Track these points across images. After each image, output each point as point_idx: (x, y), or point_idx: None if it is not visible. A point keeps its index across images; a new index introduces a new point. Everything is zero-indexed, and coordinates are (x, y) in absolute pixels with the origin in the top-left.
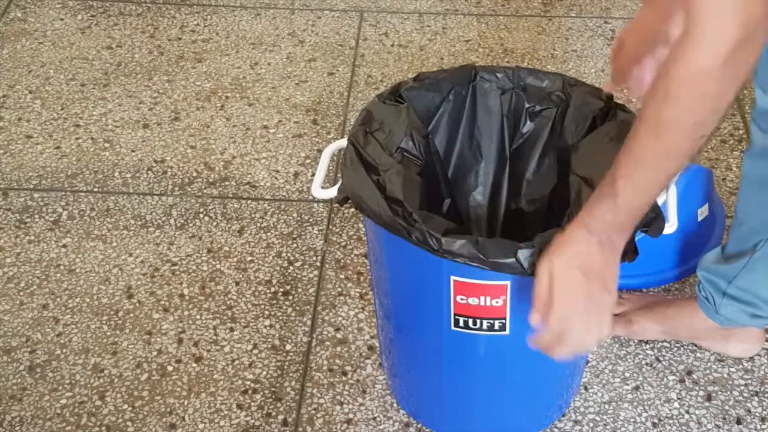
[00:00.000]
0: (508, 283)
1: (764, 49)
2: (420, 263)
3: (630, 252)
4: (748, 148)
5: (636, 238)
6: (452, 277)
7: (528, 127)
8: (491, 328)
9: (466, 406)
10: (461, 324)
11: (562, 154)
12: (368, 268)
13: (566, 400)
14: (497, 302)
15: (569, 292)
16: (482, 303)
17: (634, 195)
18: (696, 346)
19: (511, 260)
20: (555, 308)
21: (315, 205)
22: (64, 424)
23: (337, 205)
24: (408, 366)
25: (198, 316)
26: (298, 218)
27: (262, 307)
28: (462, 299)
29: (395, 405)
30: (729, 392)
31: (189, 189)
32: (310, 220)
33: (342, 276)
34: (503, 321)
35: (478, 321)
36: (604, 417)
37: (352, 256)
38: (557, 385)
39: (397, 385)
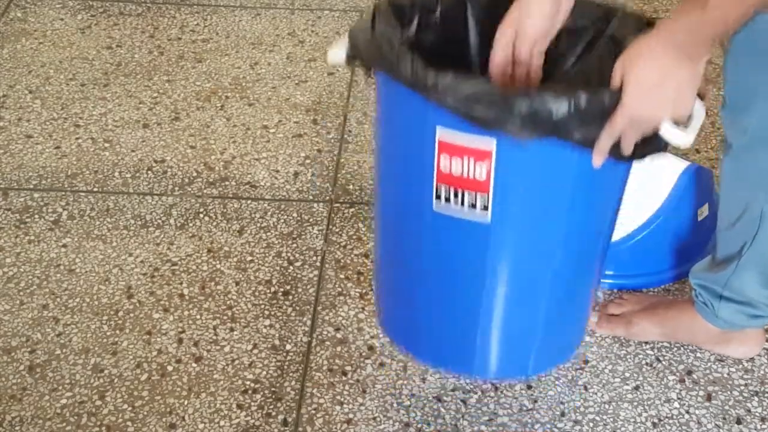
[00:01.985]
0: (493, 146)
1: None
2: (408, 110)
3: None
4: (724, 150)
5: (636, 239)
6: (438, 129)
7: None
8: (472, 206)
9: (442, 323)
10: (443, 197)
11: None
12: (368, 267)
13: (557, 337)
14: (481, 173)
15: (644, 98)
16: (465, 171)
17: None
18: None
19: (502, 111)
20: (625, 108)
21: (315, 205)
22: (64, 424)
23: (337, 205)
24: (390, 269)
25: (198, 316)
26: (298, 218)
27: (262, 307)
28: (445, 161)
29: (395, 405)
30: (729, 392)
31: (189, 189)
32: (310, 220)
33: (342, 276)
34: (485, 197)
35: (460, 194)
36: (604, 417)
37: (352, 256)
38: (545, 305)
39: (380, 305)
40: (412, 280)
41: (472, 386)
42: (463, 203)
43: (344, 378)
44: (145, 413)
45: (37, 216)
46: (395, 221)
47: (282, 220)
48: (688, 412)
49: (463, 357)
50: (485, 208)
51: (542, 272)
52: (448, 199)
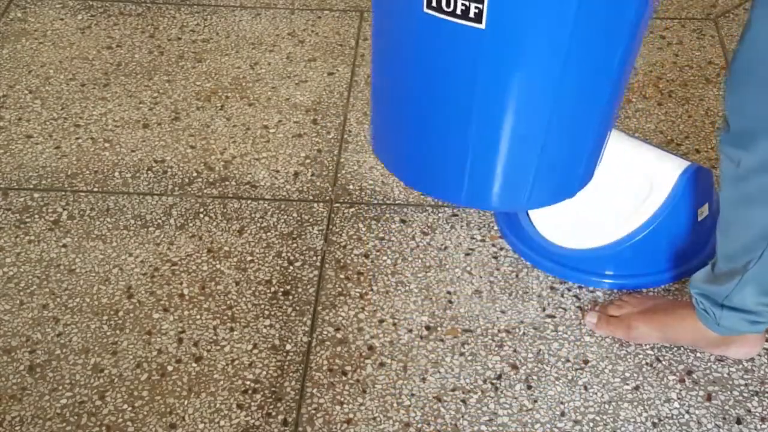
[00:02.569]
0: None
1: (741, 67)
2: None
3: None
4: (720, 176)
5: (636, 239)
6: None
7: None
8: (465, 14)
9: (431, 142)
10: (434, 2)
11: None
12: (368, 267)
13: (556, 171)
14: None
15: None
16: None
17: None
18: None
19: None
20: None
21: (315, 205)
22: (64, 424)
23: (337, 205)
24: (382, 84)
25: (198, 316)
26: (298, 218)
27: (262, 307)
28: None
29: (395, 405)
30: (729, 392)
31: (189, 189)
32: (310, 220)
33: (342, 276)
34: (479, 6)
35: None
36: (604, 417)
37: (352, 256)
38: (542, 132)
39: (374, 131)
40: (402, 94)
41: (472, 386)
42: (455, 9)
43: (344, 378)
44: (145, 413)
45: (37, 216)
46: (386, 29)
47: (282, 220)
48: (688, 412)
49: (453, 182)
50: (479, 18)
51: (539, 94)
52: (439, 6)
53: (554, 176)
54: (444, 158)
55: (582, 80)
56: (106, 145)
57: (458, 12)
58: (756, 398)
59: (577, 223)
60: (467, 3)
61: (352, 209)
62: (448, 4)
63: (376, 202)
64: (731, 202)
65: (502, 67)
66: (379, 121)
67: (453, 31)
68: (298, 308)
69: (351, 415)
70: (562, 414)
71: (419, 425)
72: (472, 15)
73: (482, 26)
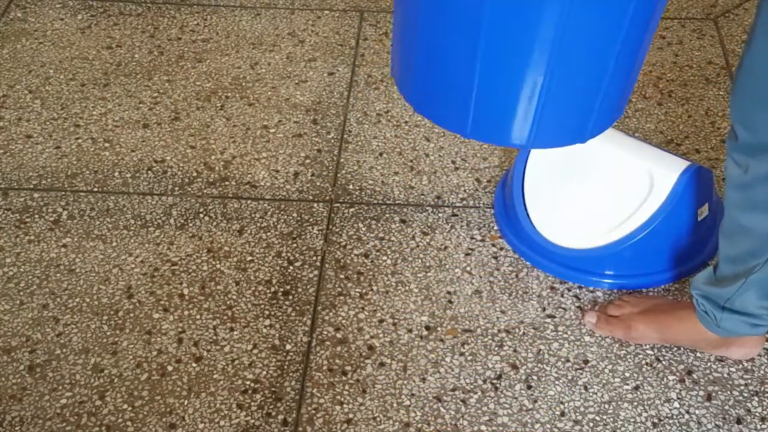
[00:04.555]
0: None
1: (749, 85)
2: None
3: None
4: (726, 179)
5: (636, 239)
6: None
7: None
8: None
9: (441, 65)
10: None
11: None
12: (368, 267)
13: (563, 111)
14: None
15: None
16: None
17: None
18: None
19: None
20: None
21: (315, 205)
22: (64, 424)
23: (337, 205)
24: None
25: (198, 316)
26: (298, 218)
27: (262, 307)
28: None
29: (395, 405)
30: (729, 392)
31: (189, 189)
32: (310, 220)
33: (342, 276)
34: None
35: None
36: (604, 417)
37: (352, 256)
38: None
39: (394, 59)
40: (413, 25)
41: (472, 386)
42: None
43: (344, 378)
44: (145, 413)
45: (37, 216)
46: None
47: (282, 220)
48: (688, 412)
49: (457, 113)
50: None
51: (544, 32)
52: None
53: (556, 122)
54: (451, 87)
55: (591, 23)
56: (106, 145)
57: None
58: (756, 398)
59: (577, 223)
60: None
61: (352, 209)
62: None
63: (376, 202)
64: (736, 206)
65: (512, 7)
66: (398, 47)
67: None
68: (298, 308)
69: (351, 415)
70: (562, 414)
71: (419, 425)
72: None
73: None
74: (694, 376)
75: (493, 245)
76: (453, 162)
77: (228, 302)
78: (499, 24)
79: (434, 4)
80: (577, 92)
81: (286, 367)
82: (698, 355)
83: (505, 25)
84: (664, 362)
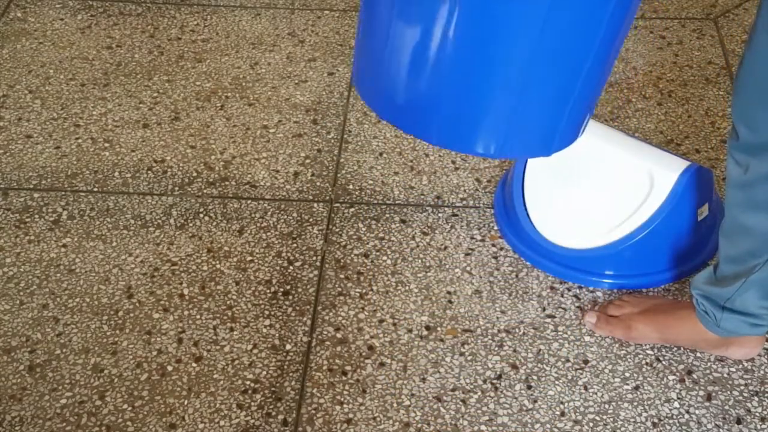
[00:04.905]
0: None
1: (750, 84)
2: None
3: None
4: (727, 178)
5: (636, 239)
6: None
7: None
8: None
9: (402, 70)
10: None
11: None
12: (368, 267)
13: (536, 122)
14: None
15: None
16: None
17: None
18: None
19: None
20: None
21: (315, 205)
22: (64, 424)
23: (337, 205)
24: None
25: (198, 316)
26: (298, 218)
27: (262, 307)
28: None
29: (395, 405)
30: (729, 392)
31: (189, 189)
32: (310, 220)
33: (342, 276)
34: None
35: None
36: (604, 417)
37: (352, 256)
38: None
39: (356, 64)
40: (372, 21)
41: (472, 386)
42: None
43: (344, 378)
44: (145, 413)
45: (37, 216)
46: None
47: (282, 220)
48: (688, 412)
49: (421, 118)
50: None
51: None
52: None
53: (524, 131)
54: (416, 95)
55: (567, 40)
56: (106, 145)
57: None
58: (756, 398)
59: (577, 223)
60: None
61: (352, 209)
62: None
63: (376, 202)
64: (737, 205)
65: (481, 12)
66: (360, 51)
67: None
68: (298, 308)
69: (351, 415)
70: (562, 414)
71: (419, 425)
72: None
73: None
74: (694, 376)
75: (493, 245)
76: (453, 162)
77: (228, 302)
78: (469, 42)
79: (402, 16)
80: (543, 107)
81: (286, 367)
82: (698, 355)
83: (476, 38)
84: (664, 362)
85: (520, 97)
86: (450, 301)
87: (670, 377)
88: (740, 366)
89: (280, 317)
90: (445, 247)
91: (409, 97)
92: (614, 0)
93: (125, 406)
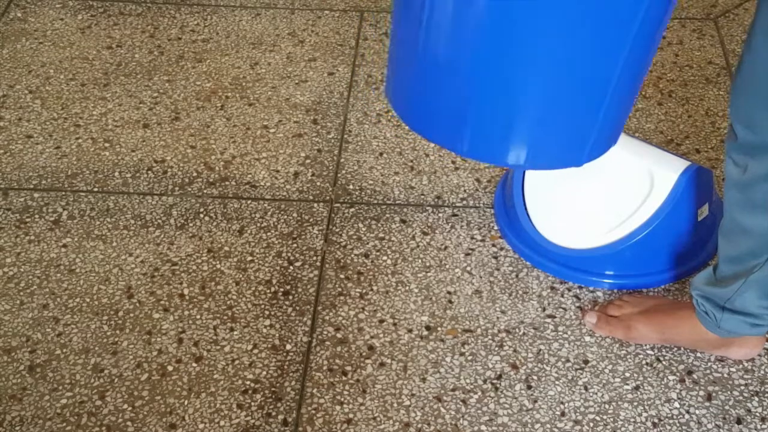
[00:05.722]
0: None
1: (748, 85)
2: None
3: None
4: (725, 178)
5: (636, 239)
6: None
7: None
8: None
9: (435, 95)
10: None
11: None
12: (368, 267)
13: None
14: None
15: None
16: None
17: None
18: None
19: None
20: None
21: (315, 205)
22: (64, 424)
23: (337, 205)
24: (394, 24)
25: (198, 316)
26: (298, 218)
27: (262, 307)
28: None
29: (395, 405)
30: (729, 392)
31: (189, 189)
32: (310, 220)
33: (342, 276)
34: None
35: None
36: (604, 417)
37: (352, 256)
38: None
39: (389, 77)
40: (406, 41)
41: (472, 386)
42: None
43: (344, 378)
44: (145, 413)
45: (37, 216)
46: None
47: (282, 220)
48: (688, 412)
49: (453, 130)
50: None
51: (545, 51)
52: None
53: (553, 143)
54: (448, 107)
55: (597, 46)
56: (106, 145)
57: None
58: (756, 398)
59: (577, 223)
60: None
61: (352, 209)
62: None
63: (376, 202)
64: (736, 206)
65: (511, 22)
66: (393, 65)
67: None
68: (298, 308)
69: (351, 415)
70: (562, 414)
71: (419, 425)
72: None
73: None
74: (694, 376)
75: (493, 245)
76: (453, 162)
77: (228, 302)
78: (499, 49)
79: (433, 24)
80: (574, 116)
81: (286, 367)
82: (698, 355)
83: (504, 50)
84: (664, 362)
85: (550, 106)
86: (450, 301)
87: (670, 377)
88: (740, 366)
89: (280, 317)
90: (445, 247)
91: (441, 108)
92: (647, 2)
93: (125, 406)
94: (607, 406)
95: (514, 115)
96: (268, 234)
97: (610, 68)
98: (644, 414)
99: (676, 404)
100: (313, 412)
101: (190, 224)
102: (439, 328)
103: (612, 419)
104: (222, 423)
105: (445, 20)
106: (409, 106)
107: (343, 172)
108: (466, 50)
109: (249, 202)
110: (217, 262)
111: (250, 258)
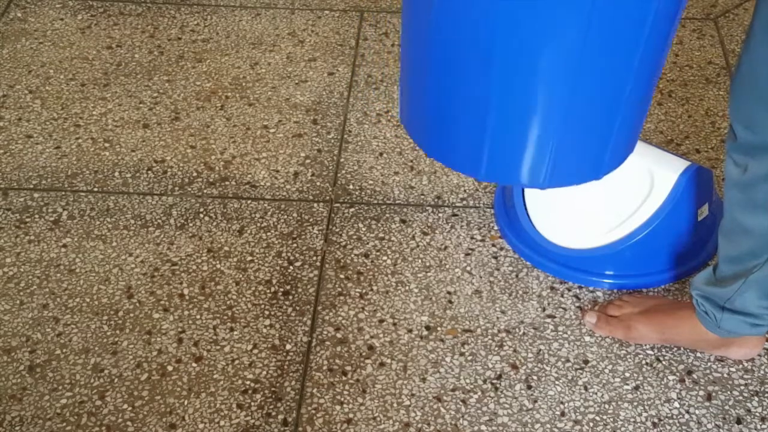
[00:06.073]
0: None
1: (747, 85)
2: None
3: None
4: (725, 178)
5: (636, 239)
6: None
7: None
8: None
9: (453, 121)
10: None
11: None
12: (368, 267)
13: (582, 147)
14: None
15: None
16: None
17: None
18: None
19: None
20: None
21: (315, 205)
22: (64, 424)
23: (337, 205)
24: (405, 50)
25: (198, 316)
26: (298, 218)
27: (262, 307)
28: None
29: (395, 405)
30: (729, 392)
31: (189, 189)
32: (310, 220)
33: (342, 276)
34: None
35: None
36: (604, 417)
37: (352, 256)
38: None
39: (403, 103)
40: (420, 68)
41: (472, 386)
42: None
43: (344, 378)
44: (145, 413)
45: (37, 216)
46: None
47: (282, 220)
48: (688, 412)
49: (470, 156)
50: None
51: (557, 74)
52: None
53: (572, 161)
54: (464, 131)
55: (609, 57)
56: (106, 145)
57: None
58: (756, 398)
59: (577, 223)
60: None
61: (352, 209)
62: None
63: (376, 202)
64: (736, 206)
65: (523, 41)
66: (403, 91)
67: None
68: (298, 308)
69: (351, 415)
70: (562, 414)
71: (419, 425)
72: None
73: None
74: (694, 376)
75: (493, 245)
76: None
77: (228, 302)
78: (512, 71)
79: (447, 49)
80: (591, 129)
81: (286, 367)
82: (698, 355)
83: (518, 72)
84: (664, 362)
85: (568, 122)
86: (450, 301)
87: (670, 377)
88: (740, 366)
89: (280, 317)
90: (445, 247)
91: (458, 136)
92: (653, 10)
93: (125, 406)
94: (607, 406)
95: (532, 136)
96: (268, 234)
97: (624, 76)
98: (644, 414)
99: (676, 404)
100: (313, 412)
101: (190, 224)
102: (439, 328)
103: (612, 419)
104: (222, 423)
105: (462, 51)
106: (426, 134)
107: (343, 172)
108: (482, 77)
109: (249, 202)
110: (217, 262)
111: (250, 258)
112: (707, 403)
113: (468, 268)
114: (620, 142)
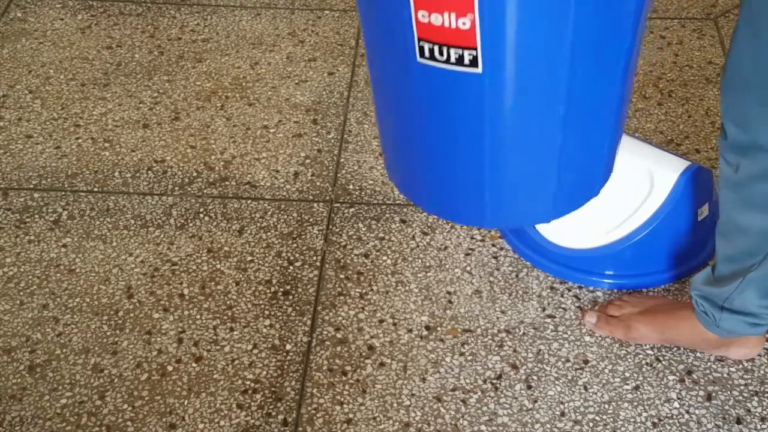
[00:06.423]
0: None
1: (735, 82)
2: None
3: None
4: (720, 178)
5: (636, 239)
6: None
7: None
8: (460, 61)
9: (446, 172)
10: (427, 54)
11: None
12: (368, 267)
13: (576, 177)
14: (464, 24)
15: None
16: (447, 24)
17: None
18: None
19: None
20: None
21: (315, 205)
22: (64, 424)
23: (337, 205)
24: (386, 120)
25: (198, 316)
26: (298, 218)
27: (262, 307)
28: (424, 17)
29: (395, 405)
30: (729, 392)
31: (189, 189)
32: (310, 220)
33: (342, 276)
34: (473, 53)
35: (445, 50)
36: (604, 417)
37: (352, 256)
38: (555, 151)
39: (388, 158)
40: (411, 137)
41: (472, 386)
42: (449, 59)
43: (344, 378)
44: (145, 413)
45: (37, 216)
46: (384, 78)
47: (282, 220)
48: (688, 412)
49: (473, 210)
50: (474, 63)
51: (548, 117)
52: (432, 55)
53: (575, 181)
54: (462, 188)
55: (588, 93)
56: (106, 145)
57: (453, 60)
58: (756, 398)
59: (577, 223)
60: (461, 51)
61: (352, 209)
62: (441, 53)
63: (376, 202)
64: (731, 205)
65: (506, 102)
66: (392, 157)
67: (451, 77)
68: (298, 308)
69: (351, 415)
70: (562, 414)
71: (419, 425)
72: (467, 62)
73: (479, 71)
74: (694, 376)
75: (493, 245)
76: None
77: (228, 302)
78: (503, 121)
79: (440, 123)
80: (583, 164)
81: (286, 367)
82: (698, 355)
83: (508, 120)
84: (664, 362)
85: (560, 159)
86: (450, 301)
87: (670, 377)
88: (740, 366)
89: (280, 317)
90: (445, 247)
91: (458, 193)
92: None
93: (125, 406)
94: (606, 406)
95: (532, 178)
96: (268, 234)
97: (612, 94)
98: (644, 414)
99: (676, 404)
100: (313, 412)
101: (190, 224)
102: (439, 328)
103: (612, 419)
104: (222, 423)
105: (454, 123)
106: (424, 195)
107: (343, 172)
108: (476, 144)
109: (249, 202)
110: (217, 262)
111: (250, 258)
112: (707, 403)
113: (468, 268)
114: (610, 157)
